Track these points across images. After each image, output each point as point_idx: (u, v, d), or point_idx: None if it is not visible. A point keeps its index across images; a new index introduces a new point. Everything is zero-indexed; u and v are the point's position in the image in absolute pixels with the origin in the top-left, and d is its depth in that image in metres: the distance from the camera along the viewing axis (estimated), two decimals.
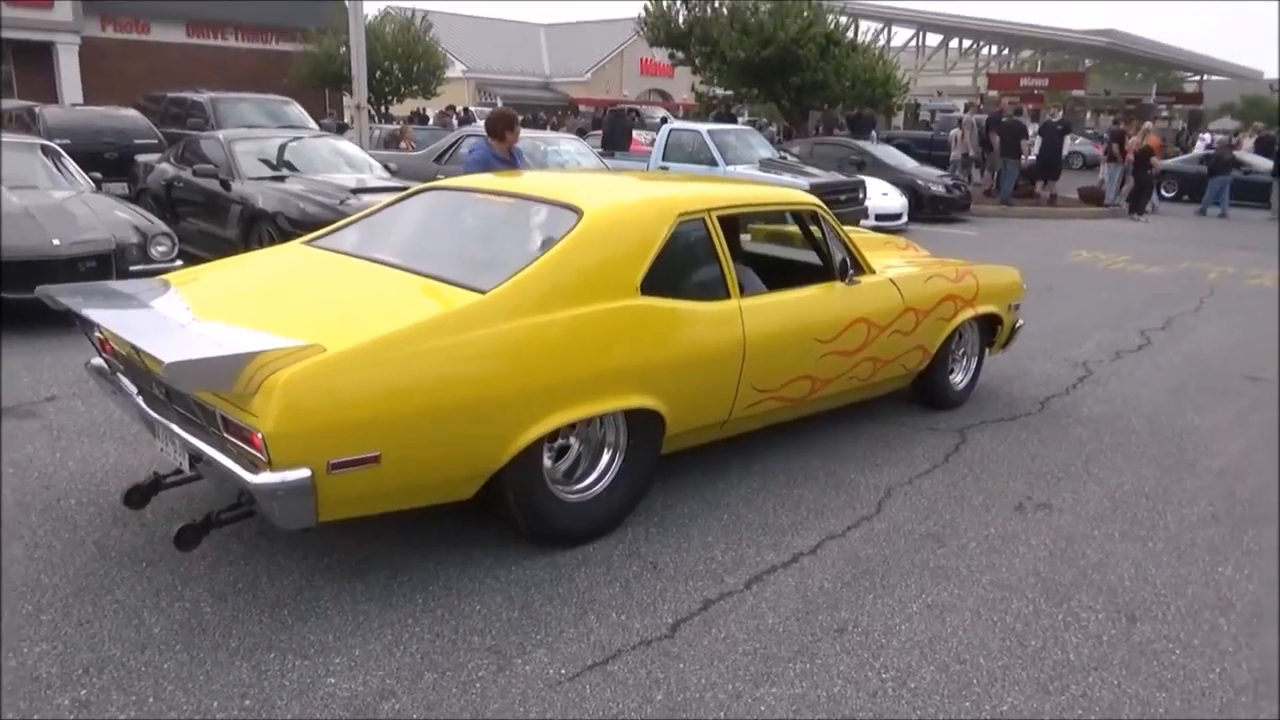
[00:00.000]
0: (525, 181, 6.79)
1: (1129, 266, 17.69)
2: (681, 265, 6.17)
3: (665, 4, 32.32)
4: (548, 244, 5.69)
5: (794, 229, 8.02)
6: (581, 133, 31.51)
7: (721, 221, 6.44)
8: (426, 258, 6.02)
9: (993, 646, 5.02)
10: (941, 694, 4.66)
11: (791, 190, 7.44)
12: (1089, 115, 61.78)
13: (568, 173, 8.52)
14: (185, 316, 5.35)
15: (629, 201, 6.22)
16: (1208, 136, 50.26)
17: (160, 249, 11.03)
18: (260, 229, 12.36)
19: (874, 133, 29.39)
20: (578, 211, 5.88)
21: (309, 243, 6.79)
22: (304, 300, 5.66)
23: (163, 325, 5.21)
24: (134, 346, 4.92)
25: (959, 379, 8.60)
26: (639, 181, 6.97)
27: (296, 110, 23.49)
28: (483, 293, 5.31)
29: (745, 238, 8.93)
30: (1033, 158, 27.80)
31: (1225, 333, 12.41)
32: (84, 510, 6.17)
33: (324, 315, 5.30)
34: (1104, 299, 14.23)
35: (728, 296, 6.24)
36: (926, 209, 23.04)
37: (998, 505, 6.61)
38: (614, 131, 26.54)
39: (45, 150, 13.07)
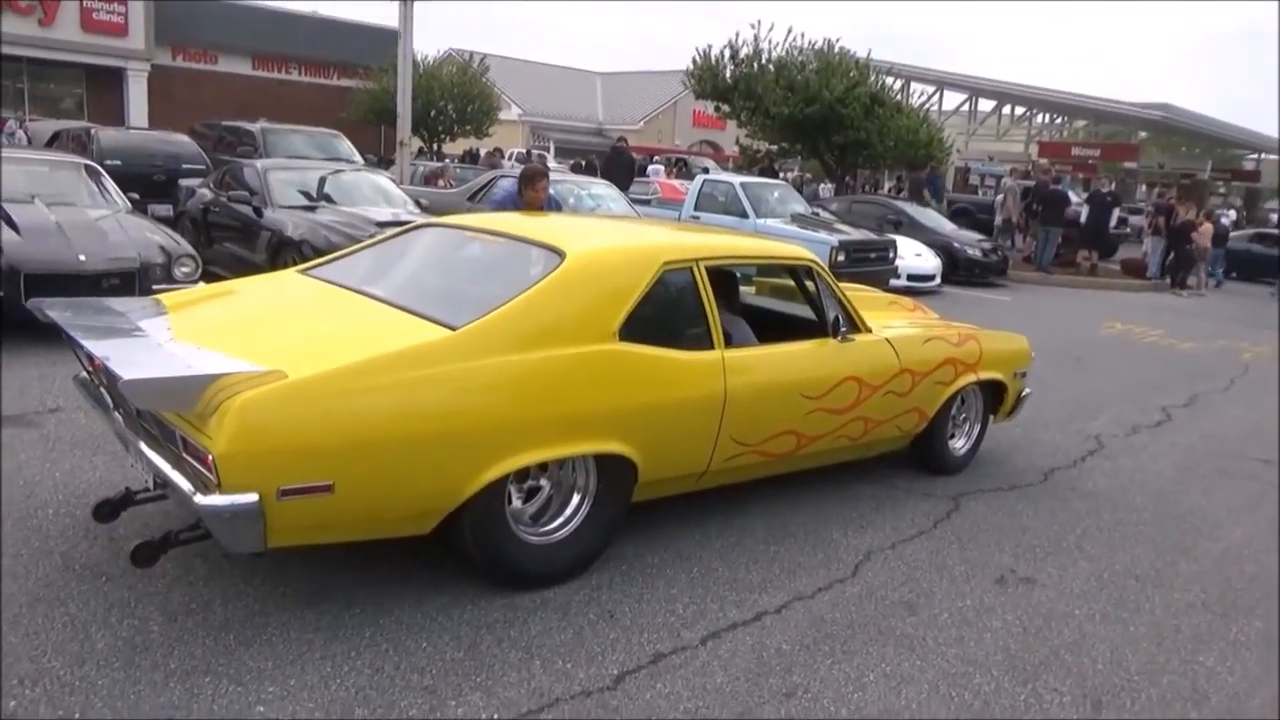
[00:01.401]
0: (517, 222, 6.77)
1: (1162, 340, 17.56)
2: (664, 313, 6.10)
3: (714, 58, 32.37)
4: (526, 284, 5.64)
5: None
6: (579, 167, 31.90)
7: (710, 272, 6.35)
8: (409, 292, 6.00)
9: None
10: None
11: (789, 245, 7.38)
12: (1142, 188, 61.54)
13: (571, 217, 8.47)
14: (163, 336, 5.36)
15: (614, 246, 6.18)
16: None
17: (184, 270, 11.19)
18: (286, 255, 12.52)
19: (929, 191, 29.20)
20: (560, 254, 5.84)
21: (304, 271, 6.78)
22: (281, 327, 5.67)
23: (135, 344, 5.21)
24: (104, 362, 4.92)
25: (960, 444, 8.48)
26: (631, 227, 6.95)
27: (345, 145, 23.79)
28: (453, 329, 5.28)
29: (749, 290, 8.85)
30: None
31: (1251, 413, 12.23)
32: (59, 521, 6.16)
33: (295, 343, 5.28)
34: (1131, 372, 14.12)
35: (711, 347, 6.16)
36: (962, 272, 22.99)
37: (979, 576, 6.48)
38: (613, 168, 25.82)
39: (88, 170, 13.31)
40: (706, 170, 35.14)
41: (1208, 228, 28.25)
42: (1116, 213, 30.35)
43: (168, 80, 41.56)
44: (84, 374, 6.10)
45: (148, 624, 5.10)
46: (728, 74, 32.24)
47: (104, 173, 13.44)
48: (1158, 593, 6.58)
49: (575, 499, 5.84)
